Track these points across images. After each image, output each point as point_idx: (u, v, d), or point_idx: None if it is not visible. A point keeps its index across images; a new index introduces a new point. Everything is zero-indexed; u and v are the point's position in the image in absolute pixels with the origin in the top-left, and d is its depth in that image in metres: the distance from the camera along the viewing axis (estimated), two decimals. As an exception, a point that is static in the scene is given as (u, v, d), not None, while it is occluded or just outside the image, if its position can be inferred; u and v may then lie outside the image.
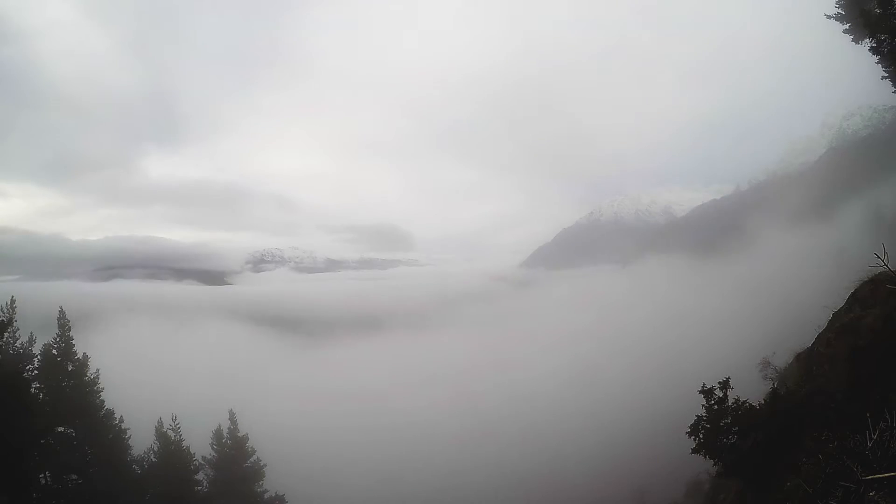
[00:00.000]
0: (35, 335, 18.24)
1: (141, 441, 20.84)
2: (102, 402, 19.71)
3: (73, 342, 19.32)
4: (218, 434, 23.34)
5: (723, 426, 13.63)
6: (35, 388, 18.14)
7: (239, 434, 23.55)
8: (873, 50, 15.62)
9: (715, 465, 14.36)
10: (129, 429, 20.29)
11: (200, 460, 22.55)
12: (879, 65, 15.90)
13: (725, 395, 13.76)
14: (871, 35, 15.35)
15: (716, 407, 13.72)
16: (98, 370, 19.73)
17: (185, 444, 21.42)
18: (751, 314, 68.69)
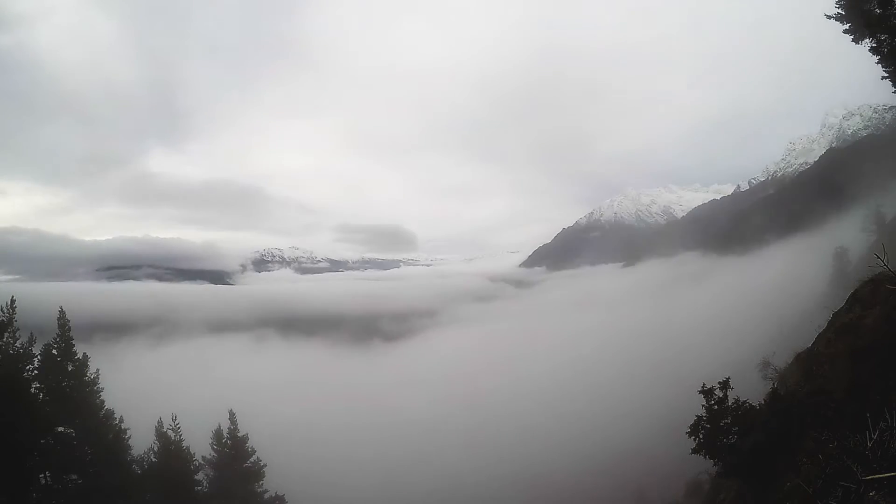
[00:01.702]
0: (35, 336, 18.22)
1: (141, 441, 20.83)
2: (102, 402, 19.67)
3: (73, 342, 19.31)
4: (218, 434, 23.33)
5: (723, 426, 13.63)
6: (35, 388, 18.12)
7: (239, 434, 23.54)
8: (873, 50, 15.64)
9: (715, 465, 14.36)
10: (129, 429, 20.25)
11: (200, 460, 22.54)
12: (879, 65, 15.91)
13: (725, 395, 13.77)
14: (871, 35, 15.37)
15: (716, 407, 13.73)
16: (98, 370, 19.71)
17: (185, 444, 21.41)
18: (751, 314, 68.65)
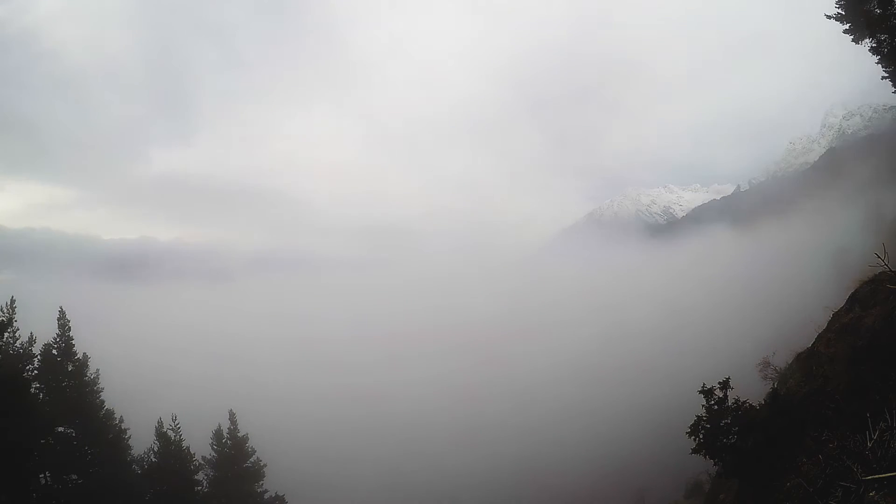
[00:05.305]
0: (35, 335, 18.23)
1: (141, 441, 20.83)
2: (102, 402, 19.70)
3: (74, 342, 19.33)
4: (218, 434, 23.30)
5: (723, 426, 13.60)
6: (35, 388, 18.13)
7: (239, 434, 23.51)
8: (873, 50, 15.65)
9: (715, 465, 14.34)
10: (129, 429, 20.28)
11: (200, 460, 22.53)
12: (879, 65, 15.92)
13: (725, 395, 13.73)
14: (871, 35, 15.38)
15: (716, 407, 13.70)
16: (98, 370, 19.72)
17: (185, 444, 21.40)
18: (751, 314, 68.65)
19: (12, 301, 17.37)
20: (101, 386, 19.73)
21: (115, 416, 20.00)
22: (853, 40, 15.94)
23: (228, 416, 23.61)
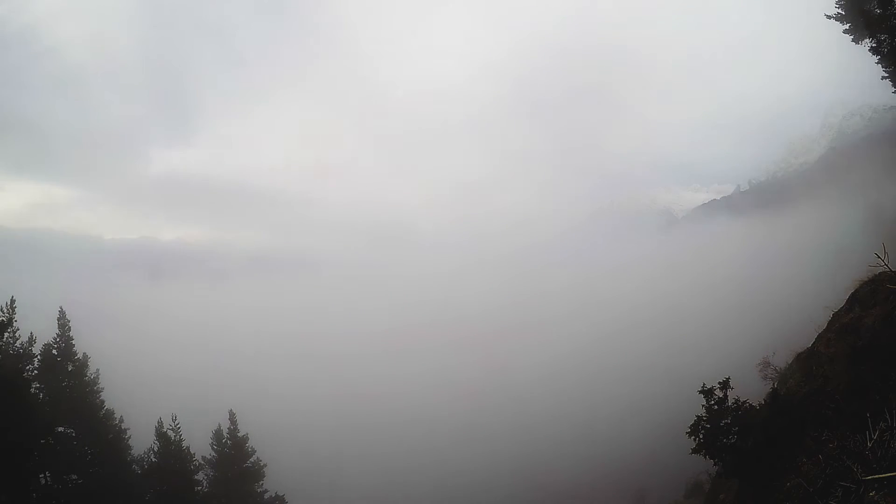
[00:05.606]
0: (35, 336, 18.24)
1: (141, 441, 20.84)
2: (102, 402, 19.73)
3: (74, 342, 19.34)
4: (218, 434, 23.33)
5: (723, 426, 13.61)
6: (35, 388, 18.14)
7: (239, 434, 23.53)
8: (873, 50, 15.68)
9: (715, 465, 14.35)
10: (129, 429, 20.31)
11: (200, 460, 22.55)
12: (879, 65, 15.94)
13: (725, 395, 13.75)
14: (871, 35, 15.40)
15: (716, 407, 13.71)
16: (98, 370, 19.74)
17: (185, 444, 21.42)
18: (751, 314, 68.65)
19: (12, 301, 17.39)
20: (101, 386, 19.76)
21: (115, 416, 20.03)
22: (853, 40, 15.98)
23: (228, 416, 23.65)
